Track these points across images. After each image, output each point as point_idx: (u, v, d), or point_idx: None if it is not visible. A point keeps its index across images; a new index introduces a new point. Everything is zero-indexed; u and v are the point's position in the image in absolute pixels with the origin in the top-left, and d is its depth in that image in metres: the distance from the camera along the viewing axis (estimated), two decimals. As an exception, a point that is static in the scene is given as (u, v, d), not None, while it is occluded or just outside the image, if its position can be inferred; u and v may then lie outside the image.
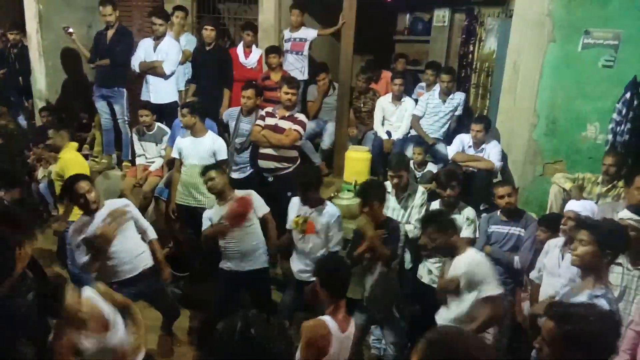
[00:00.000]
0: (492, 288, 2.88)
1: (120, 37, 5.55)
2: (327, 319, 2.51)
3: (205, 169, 3.88)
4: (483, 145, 4.65)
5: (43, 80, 6.73)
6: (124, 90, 5.70)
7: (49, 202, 5.73)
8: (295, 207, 3.78)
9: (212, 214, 3.81)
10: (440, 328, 1.41)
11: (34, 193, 5.76)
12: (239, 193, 3.87)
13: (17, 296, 2.49)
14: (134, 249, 3.54)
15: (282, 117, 4.58)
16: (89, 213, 3.42)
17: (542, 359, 1.76)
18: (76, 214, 3.91)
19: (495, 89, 5.48)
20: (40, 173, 5.81)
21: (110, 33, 5.54)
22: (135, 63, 5.48)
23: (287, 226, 3.84)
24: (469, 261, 2.93)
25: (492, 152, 4.62)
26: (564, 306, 1.90)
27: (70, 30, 5.71)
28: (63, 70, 6.75)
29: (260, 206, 3.89)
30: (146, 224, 3.77)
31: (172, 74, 5.47)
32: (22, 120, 7.07)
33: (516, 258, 3.75)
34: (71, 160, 4.51)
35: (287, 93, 4.53)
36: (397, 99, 5.45)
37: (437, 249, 3.08)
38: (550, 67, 4.49)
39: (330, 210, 3.69)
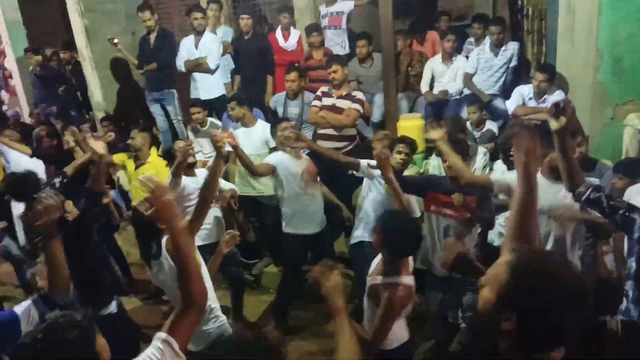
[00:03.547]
0: None
1: (163, 40, 5.66)
2: (410, 282, 2.42)
3: (277, 122, 4.05)
4: (545, 96, 4.37)
5: (99, 92, 7.00)
6: (174, 91, 5.83)
7: (122, 207, 6.00)
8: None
9: (288, 162, 3.85)
10: (520, 251, 1.30)
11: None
12: None
13: None
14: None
15: (340, 96, 4.53)
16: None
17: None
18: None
19: (550, 33, 5.13)
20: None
21: (152, 37, 5.67)
22: (180, 63, 5.58)
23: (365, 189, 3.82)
24: None
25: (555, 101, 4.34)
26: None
27: (116, 40, 5.88)
28: (115, 80, 6.99)
29: None
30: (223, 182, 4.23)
31: (217, 68, 5.54)
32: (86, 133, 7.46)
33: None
34: (159, 164, 4.63)
35: (329, 73, 4.49)
36: (448, 58, 5.23)
37: None
38: (608, 2, 4.11)
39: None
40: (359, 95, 4.58)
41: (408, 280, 2.42)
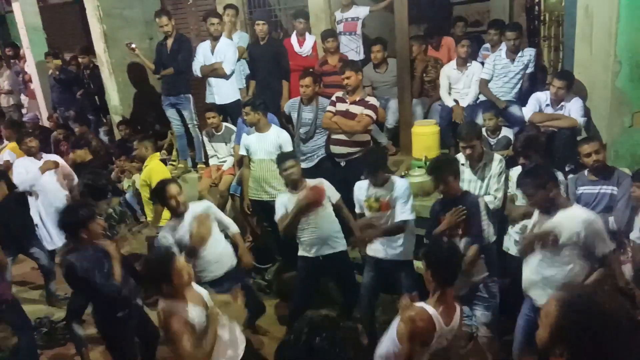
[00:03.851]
0: (608, 244, 2.84)
1: (180, 45, 5.71)
2: (431, 311, 2.43)
3: (281, 158, 3.86)
4: (562, 102, 4.32)
5: (116, 96, 7.10)
6: (190, 95, 5.88)
7: (137, 210, 6.07)
8: (362, 190, 3.71)
9: (287, 201, 3.81)
10: (568, 289, 1.35)
11: (122, 204, 6.12)
12: (310, 182, 3.89)
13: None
14: (219, 250, 3.68)
15: (353, 102, 4.54)
16: (178, 215, 3.58)
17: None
18: (165, 219, 4.16)
19: (567, 39, 5.07)
20: (125, 183, 6.17)
21: (169, 42, 5.72)
22: (196, 68, 5.63)
23: (357, 210, 3.79)
24: (584, 218, 2.85)
25: (573, 108, 4.27)
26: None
27: (133, 45, 5.96)
28: (132, 84, 7.08)
29: (332, 194, 3.92)
30: (227, 220, 3.95)
31: (232, 73, 5.57)
32: (103, 136, 7.57)
33: (611, 219, 3.47)
34: (156, 167, 4.76)
35: (343, 79, 4.50)
36: (462, 64, 5.20)
37: (537, 205, 3.00)
38: (627, 7, 4.05)
39: (398, 183, 3.59)
40: (372, 101, 4.57)
41: (435, 314, 2.43)
